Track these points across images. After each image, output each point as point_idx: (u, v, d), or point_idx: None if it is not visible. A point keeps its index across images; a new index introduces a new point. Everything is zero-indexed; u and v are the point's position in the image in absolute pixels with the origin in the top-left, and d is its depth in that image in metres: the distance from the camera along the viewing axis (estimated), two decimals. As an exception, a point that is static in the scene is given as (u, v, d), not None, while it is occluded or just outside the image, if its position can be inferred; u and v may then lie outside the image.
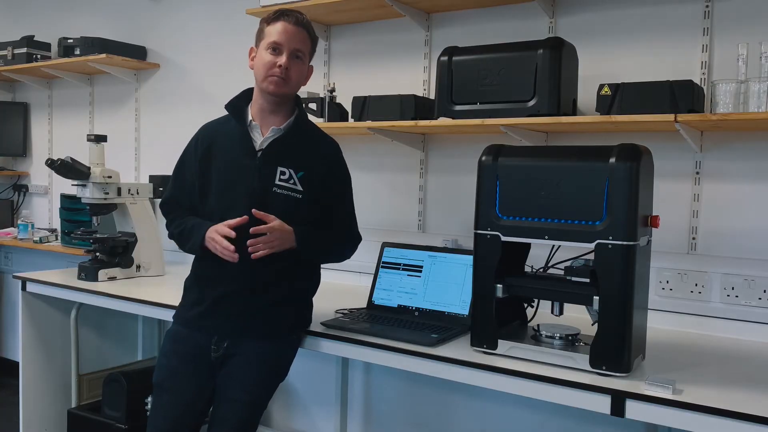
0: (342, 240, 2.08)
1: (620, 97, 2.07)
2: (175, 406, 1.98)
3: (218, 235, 1.87)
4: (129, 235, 2.94)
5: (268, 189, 1.93)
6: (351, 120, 2.66)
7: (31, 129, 4.39)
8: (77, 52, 3.62)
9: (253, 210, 1.85)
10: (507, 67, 2.24)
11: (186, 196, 2.05)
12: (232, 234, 1.85)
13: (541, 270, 1.93)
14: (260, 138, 1.97)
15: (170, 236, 2.09)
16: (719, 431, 1.46)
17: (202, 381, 1.98)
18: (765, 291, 2.10)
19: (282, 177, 1.94)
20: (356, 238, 2.13)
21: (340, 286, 2.80)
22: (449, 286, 2.24)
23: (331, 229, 2.04)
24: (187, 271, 2.09)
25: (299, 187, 1.95)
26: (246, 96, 2.03)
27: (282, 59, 1.89)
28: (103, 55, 3.48)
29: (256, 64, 1.94)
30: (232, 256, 1.85)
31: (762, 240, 2.13)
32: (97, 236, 2.93)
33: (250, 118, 1.99)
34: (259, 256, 1.86)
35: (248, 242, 1.85)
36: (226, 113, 2.03)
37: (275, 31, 1.90)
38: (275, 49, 1.90)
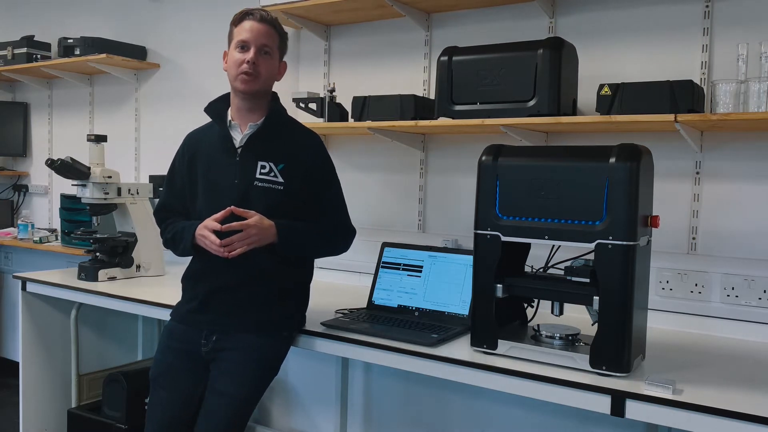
0: (331, 232, 2.07)
1: (620, 97, 2.07)
2: (172, 402, 2.01)
3: (206, 231, 1.90)
4: (129, 235, 2.94)
5: (249, 184, 1.96)
6: (351, 120, 2.66)
7: (31, 129, 4.39)
8: (77, 52, 3.62)
9: (232, 207, 1.88)
10: (507, 67, 2.24)
11: (178, 201, 2.11)
12: (218, 227, 1.88)
13: (541, 270, 1.93)
14: (240, 136, 2.01)
15: (165, 243, 2.13)
16: (719, 431, 1.46)
17: (197, 376, 2.01)
18: (765, 291, 2.10)
19: (262, 171, 1.97)
20: (349, 230, 2.12)
21: (340, 286, 2.80)
22: (449, 286, 2.24)
23: (318, 222, 2.04)
24: (187, 271, 2.10)
25: (280, 179, 1.97)
26: (225, 99, 2.08)
27: (249, 55, 1.93)
28: (103, 55, 3.49)
29: (228, 64, 1.99)
30: (220, 251, 1.87)
31: (762, 240, 2.13)
32: (97, 236, 2.93)
33: (229, 118, 2.04)
34: (235, 255, 1.87)
35: (222, 241, 1.87)
36: (211, 120, 2.08)
37: (242, 29, 1.96)
38: (243, 47, 1.95)
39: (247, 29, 1.94)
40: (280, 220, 1.93)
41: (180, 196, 2.10)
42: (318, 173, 2.04)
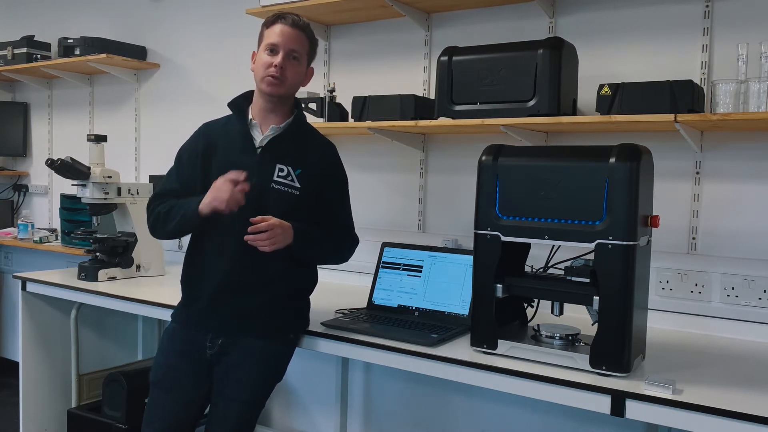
0: (340, 242, 2.09)
1: (620, 97, 2.07)
2: (174, 405, 1.99)
3: (221, 182, 1.84)
4: (129, 235, 2.94)
5: (266, 185, 1.95)
6: (351, 120, 2.66)
7: (31, 129, 4.39)
8: (77, 52, 3.62)
9: (251, 219, 1.85)
10: (507, 67, 2.24)
11: (183, 188, 2.02)
12: (240, 177, 1.84)
13: (541, 270, 1.93)
14: (260, 136, 2.00)
15: (155, 219, 2.01)
16: (719, 431, 1.46)
17: (200, 379, 1.99)
18: (765, 291, 2.10)
19: (280, 174, 1.96)
20: (354, 241, 2.13)
21: (340, 286, 2.80)
22: (449, 286, 2.24)
23: (329, 231, 2.04)
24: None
25: (297, 184, 1.97)
26: (247, 96, 2.07)
27: (277, 59, 1.93)
28: (103, 55, 3.48)
29: (255, 65, 1.99)
30: (240, 188, 1.83)
31: (762, 240, 2.13)
32: (97, 236, 2.93)
33: (250, 116, 2.02)
34: (270, 251, 1.86)
35: (247, 238, 1.84)
36: (227, 114, 2.07)
37: (273, 33, 1.95)
38: (272, 50, 1.94)
39: (277, 33, 1.94)
40: (296, 224, 1.92)
41: (188, 183, 2.01)
42: (332, 183, 2.06)
